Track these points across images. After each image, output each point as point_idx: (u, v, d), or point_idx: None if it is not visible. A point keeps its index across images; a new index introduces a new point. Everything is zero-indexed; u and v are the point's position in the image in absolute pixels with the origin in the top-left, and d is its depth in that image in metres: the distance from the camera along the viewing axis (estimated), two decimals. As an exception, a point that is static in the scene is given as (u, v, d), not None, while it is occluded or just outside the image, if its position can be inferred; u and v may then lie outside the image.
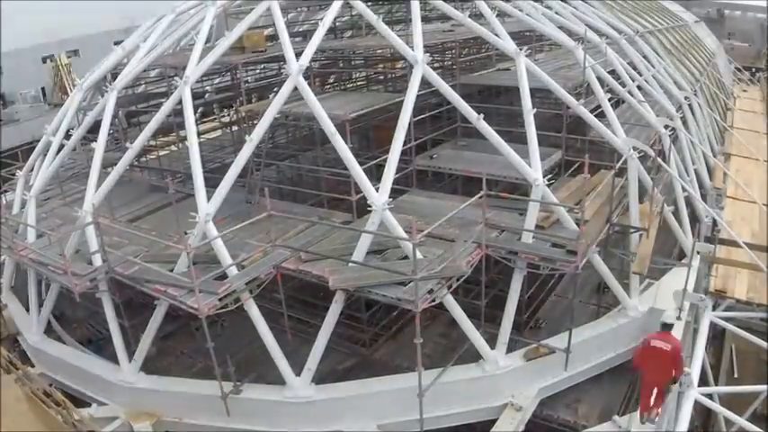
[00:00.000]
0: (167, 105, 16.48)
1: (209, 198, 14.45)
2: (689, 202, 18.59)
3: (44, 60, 50.70)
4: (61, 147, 18.27)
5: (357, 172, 14.42)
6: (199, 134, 16.95)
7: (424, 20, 19.41)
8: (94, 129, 17.70)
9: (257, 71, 27.24)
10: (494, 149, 15.43)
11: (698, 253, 17.62)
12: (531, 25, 19.36)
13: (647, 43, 24.68)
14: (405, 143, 15.40)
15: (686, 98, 23.48)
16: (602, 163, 17.81)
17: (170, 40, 19.35)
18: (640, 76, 21.01)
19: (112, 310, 15.51)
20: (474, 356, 14.63)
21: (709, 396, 13.84)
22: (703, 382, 14.92)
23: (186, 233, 14.07)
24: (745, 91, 40.65)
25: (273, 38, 20.84)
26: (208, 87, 26.05)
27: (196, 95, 18.19)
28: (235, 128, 24.28)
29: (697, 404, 12.72)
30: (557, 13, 20.64)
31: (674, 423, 12.37)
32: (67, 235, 15.59)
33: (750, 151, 25.11)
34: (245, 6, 20.22)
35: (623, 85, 19.31)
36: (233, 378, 14.51)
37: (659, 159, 18.09)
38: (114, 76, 18.77)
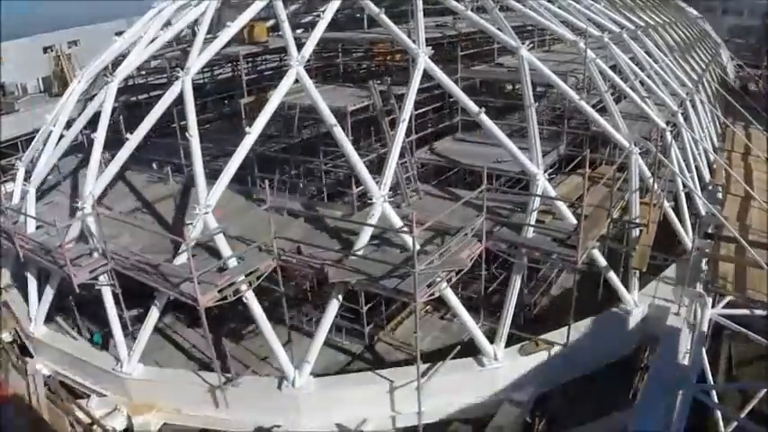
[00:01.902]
0: (168, 96, 16.43)
1: (209, 190, 14.44)
2: (689, 198, 18.57)
3: (45, 51, 50.47)
4: (61, 137, 18.25)
5: (357, 165, 14.40)
6: (199, 125, 16.90)
7: (427, 13, 19.30)
8: (95, 119, 17.65)
9: (258, 63, 27.14)
10: (496, 143, 15.40)
11: (698, 249, 17.60)
12: (533, 20, 19.29)
13: (649, 39, 24.60)
14: (406, 136, 15.37)
15: (688, 94, 23.41)
16: (602, 158, 17.80)
17: (171, 31, 19.27)
18: (642, 71, 20.95)
19: (112, 301, 15.49)
20: (473, 350, 14.63)
21: (708, 393, 13.87)
22: (702, 378, 14.90)
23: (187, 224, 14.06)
24: (746, 87, 40.51)
25: (275, 29, 20.78)
26: (208, 78, 25.96)
27: (197, 87, 18.14)
28: (235, 119, 24.14)
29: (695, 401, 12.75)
30: (559, 7, 20.58)
31: (672, 419, 12.39)
32: (67, 226, 15.57)
33: (750, 148, 25.04)
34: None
35: (625, 80, 19.26)
36: (231, 371, 14.54)
37: (660, 155, 18.07)
38: (115, 67, 18.72)
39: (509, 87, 24.77)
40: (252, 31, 19.77)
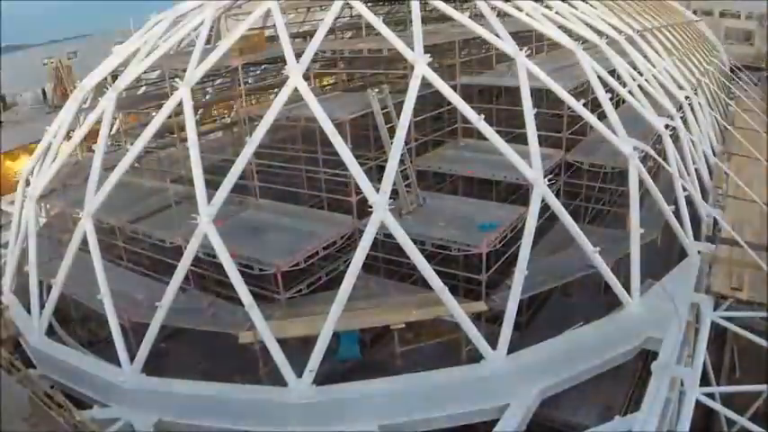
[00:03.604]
0: (167, 107, 16.48)
1: (209, 199, 14.48)
2: (690, 202, 18.58)
3: (45, 62, 50.74)
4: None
5: (357, 173, 14.42)
6: (199, 135, 16.98)
7: (425, 20, 19.37)
8: (95, 130, 17.70)
9: (258, 72, 27.20)
10: (495, 150, 15.42)
11: (699, 252, 17.63)
12: (531, 26, 19.34)
13: (647, 42, 24.65)
14: (405, 143, 15.39)
15: (687, 98, 23.45)
16: (605, 162, 17.86)
17: (170, 41, 19.34)
18: (641, 75, 20.98)
19: (114, 311, 15.49)
20: (476, 357, 14.61)
21: (711, 396, 13.86)
22: (705, 381, 14.90)
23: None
24: (745, 90, 40.56)
25: (274, 39, 20.83)
26: (208, 89, 26.02)
27: (196, 97, 18.20)
28: (235, 129, 24.22)
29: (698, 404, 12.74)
30: (557, 13, 20.63)
31: (675, 423, 12.39)
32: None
33: (750, 150, 25.08)
34: (246, 8, 20.24)
35: (624, 84, 19.30)
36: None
37: (660, 159, 18.11)
38: (114, 78, 18.77)
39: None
40: (250, 40, 19.84)
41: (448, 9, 17.90)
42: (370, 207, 13.94)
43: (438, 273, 14.20)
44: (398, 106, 15.69)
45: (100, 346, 18.01)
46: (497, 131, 15.34)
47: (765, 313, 15.63)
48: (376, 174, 16.06)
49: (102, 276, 15.57)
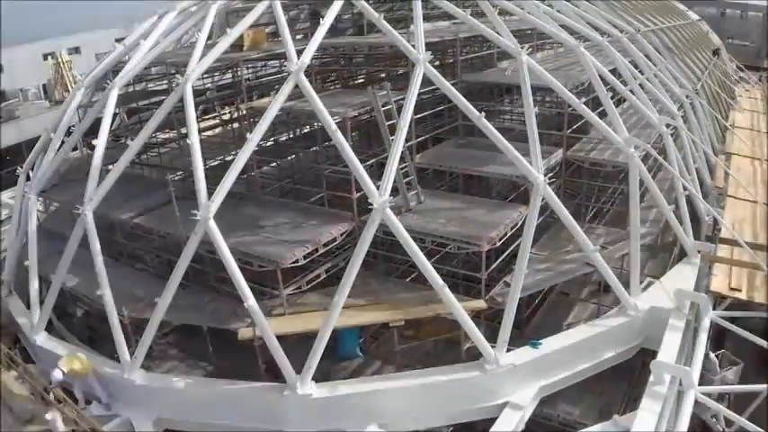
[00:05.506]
0: (168, 103, 16.46)
1: (210, 196, 14.46)
2: (690, 201, 18.61)
3: (45, 57, 50.66)
4: (62, 144, 18.31)
5: (358, 170, 14.41)
6: (200, 131, 16.91)
7: (426, 18, 19.34)
8: (96, 126, 17.70)
9: (259, 68, 27.21)
10: (495, 148, 15.41)
11: (698, 252, 17.63)
12: (532, 24, 19.32)
13: (648, 42, 24.64)
14: (406, 141, 15.38)
15: (688, 97, 23.45)
16: (605, 161, 17.85)
17: (172, 37, 19.33)
18: (642, 74, 20.97)
19: (113, 306, 15.49)
20: (475, 355, 14.63)
21: (709, 395, 13.89)
22: (703, 381, 14.91)
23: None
24: (747, 90, 40.59)
25: (275, 35, 20.83)
26: (209, 85, 26.02)
27: (197, 93, 18.19)
28: (236, 125, 24.25)
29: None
30: (558, 11, 20.62)
31: (674, 422, 12.40)
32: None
33: (751, 150, 25.10)
34: (247, 4, 20.20)
35: (625, 83, 19.29)
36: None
37: (660, 158, 18.12)
38: (115, 74, 18.77)
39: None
40: (251, 36, 19.83)
41: (450, 7, 17.88)
42: (371, 204, 13.92)
43: (438, 270, 14.19)
44: (399, 103, 15.67)
45: (99, 342, 18.03)
46: (498, 129, 15.32)
47: (764, 313, 15.66)
48: (376, 171, 16.05)
49: (102, 272, 15.55)
